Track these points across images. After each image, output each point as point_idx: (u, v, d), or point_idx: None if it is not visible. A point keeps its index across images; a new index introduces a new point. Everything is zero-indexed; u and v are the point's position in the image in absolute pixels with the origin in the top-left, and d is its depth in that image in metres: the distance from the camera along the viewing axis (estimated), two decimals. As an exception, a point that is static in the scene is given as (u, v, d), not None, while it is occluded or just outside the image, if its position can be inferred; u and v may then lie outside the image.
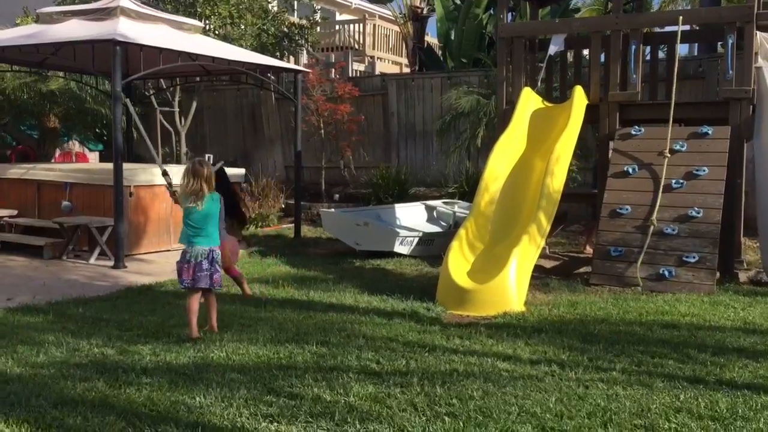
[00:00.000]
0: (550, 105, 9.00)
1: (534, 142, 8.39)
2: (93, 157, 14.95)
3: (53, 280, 7.82)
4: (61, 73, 12.86)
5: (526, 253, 6.93)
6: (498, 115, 9.54)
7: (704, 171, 7.77)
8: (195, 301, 5.48)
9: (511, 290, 6.51)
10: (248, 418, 3.69)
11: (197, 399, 3.96)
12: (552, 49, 9.23)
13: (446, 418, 3.69)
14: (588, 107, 8.53)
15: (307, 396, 4.03)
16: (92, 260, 8.92)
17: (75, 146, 14.89)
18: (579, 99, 8.45)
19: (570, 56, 10.18)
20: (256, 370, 4.52)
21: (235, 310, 6.35)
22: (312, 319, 6.01)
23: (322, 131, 13.49)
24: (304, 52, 16.52)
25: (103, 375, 4.38)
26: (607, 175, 8.30)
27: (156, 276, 8.07)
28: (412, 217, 10.66)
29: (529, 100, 8.76)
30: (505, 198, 7.93)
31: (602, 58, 9.21)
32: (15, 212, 10.21)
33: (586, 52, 10.31)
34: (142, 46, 8.80)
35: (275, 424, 3.63)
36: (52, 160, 13.46)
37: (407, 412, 3.80)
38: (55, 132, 14.09)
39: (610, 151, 8.61)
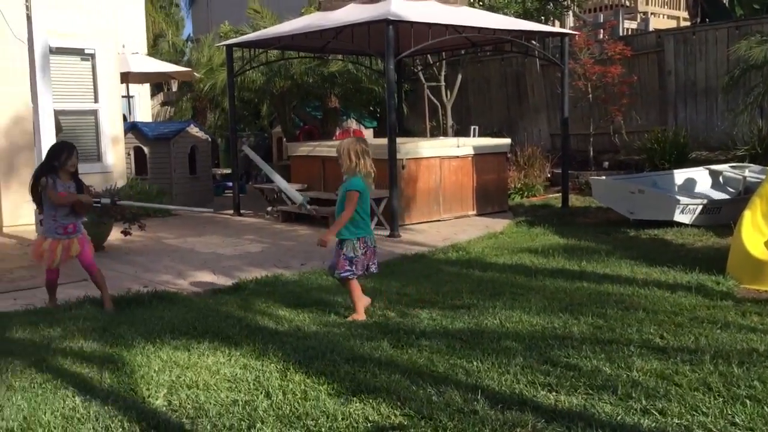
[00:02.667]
0: None
1: None
2: (368, 133, 15.96)
3: (338, 247, 8.50)
4: (339, 56, 13.85)
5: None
6: (801, 64, 8.30)
7: None
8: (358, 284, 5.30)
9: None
10: (526, 386, 3.66)
11: (474, 363, 4.02)
12: None
13: (747, 401, 3.32)
14: None
15: (585, 368, 3.89)
16: (371, 229, 9.53)
17: (352, 124, 16.01)
18: None
19: None
20: (530, 339, 4.48)
21: (506, 279, 6.37)
22: (585, 290, 5.80)
23: (590, 96, 12.91)
24: (570, 14, 15.90)
25: (387, 336, 4.64)
26: None
27: (428, 245, 8.39)
28: (693, 184, 9.80)
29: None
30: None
31: None
32: (304, 186, 11.29)
33: None
34: (412, 24, 9.12)
35: (554, 393, 3.56)
36: (333, 138, 14.61)
37: (699, 392, 3.49)
38: (336, 111, 15.28)
39: None
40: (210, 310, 5.55)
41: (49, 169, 5.55)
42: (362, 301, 5.29)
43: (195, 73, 15.29)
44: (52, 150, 5.66)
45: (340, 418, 3.31)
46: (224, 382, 3.81)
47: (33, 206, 8.15)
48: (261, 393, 3.65)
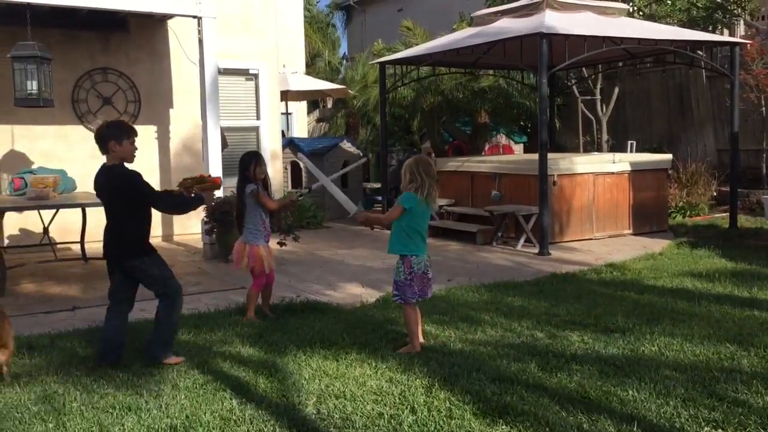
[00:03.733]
0: None
1: None
2: (518, 149, 15.70)
3: (484, 264, 8.41)
4: (490, 71, 13.77)
5: None
6: None
7: None
8: (417, 312, 4.94)
9: None
10: (687, 420, 3.41)
11: (629, 392, 3.81)
12: None
13: None
14: None
15: (756, 405, 3.57)
16: (519, 246, 9.35)
17: (502, 139, 15.83)
18: None
19: None
20: (693, 369, 4.17)
21: (665, 303, 5.99)
22: (757, 319, 5.34)
23: (764, 109, 11.93)
24: (741, 22, 14.80)
25: (535, 357, 4.51)
26: None
27: (579, 264, 8.09)
28: None
29: None
30: None
31: None
32: (452, 201, 11.29)
33: None
34: (567, 36, 8.88)
35: (720, 430, 3.28)
36: (482, 153, 14.52)
37: None
38: (485, 126, 15.17)
39: None
40: (358, 321, 5.66)
41: (244, 179, 5.80)
42: (418, 330, 4.90)
43: (349, 90, 15.80)
44: (242, 161, 5.84)
45: (485, 440, 3.24)
46: (371, 395, 3.86)
47: (200, 216, 8.79)
48: (406, 408, 3.65)
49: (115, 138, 4.52)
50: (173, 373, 4.33)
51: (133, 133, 4.64)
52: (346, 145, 13.21)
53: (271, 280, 5.99)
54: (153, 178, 10.47)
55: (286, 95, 14.12)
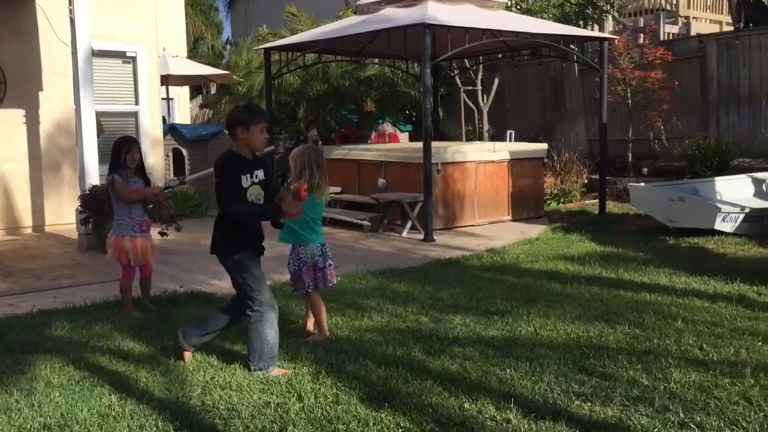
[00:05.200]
0: None
1: None
2: (403, 137, 15.95)
3: (371, 251, 8.51)
4: (376, 60, 13.88)
5: None
6: None
7: None
8: (320, 298, 4.92)
9: None
10: (560, 395, 3.62)
11: (507, 371, 3.99)
12: None
13: (790, 418, 3.23)
14: None
15: (621, 378, 3.83)
16: (405, 233, 9.52)
17: (388, 127, 16.02)
18: None
19: None
20: (565, 347, 4.42)
21: (541, 285, 6.30)
22: (622, 299, 5.71)
23: (630, 101, 12.72)
24: (610, 18, 15.69)
25: (419, 341, 4.62)
26: None
27: (462, 250, 8.35)
28: (735, 192, 9.57)
29: None
30: None
31: None
32: (339, 189, 11.32)
33: None
34: (449, 28, 9.09)
35: (588, 404, 3.50)
36: (369, 141, 14.64)
37: (739, 406, 3.41)
38: (371, 115, 15.30)
39: None
40: (244, 311, 5.59)
41: (112, 166, 5.53)
42: (324, 317, 4.88)
43: (233, 76, 15.46)
44: (113, 147, 5.58)
45: (371, 423, 3.30)
46: (257, 384, 3.84)
47: (74, 206, 8.36)
48: (293, 396, 3.66)
49: (243, 124, 4.08)
50: (46, 370, 4.12)
51: (262, 118, 4.18)
52: (231, 132, 12.92)
53: (148, 271, 5.80)
54: (21, 166, 9.85)
55: (167, 80, 13.64)
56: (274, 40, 13.54)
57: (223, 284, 6.71)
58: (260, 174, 4.17)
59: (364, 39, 10.56)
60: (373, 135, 15.60)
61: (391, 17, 9.81)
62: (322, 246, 4.91)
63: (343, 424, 3.31)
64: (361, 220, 10.02)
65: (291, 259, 4.88)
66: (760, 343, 4.39)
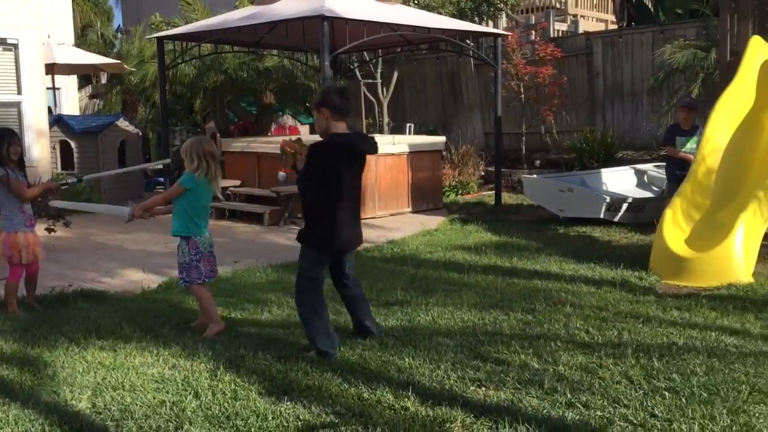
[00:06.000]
0: (783, 54, 7.99)
1: (764, 97, 7.52)
2: (304, 130, 15.85)
3: (272, 244, 8.44)
4: (275, 51, 13.71)
5: (754, 220, 6.27)
6: (720, 68, 8.68)
7: None
8: (208, 291, 4.88)
9: (737, 259, 5.94)
10: (456, 381, 3.72)
11: (406, 360, 4.06)
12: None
13: (666, 393, 3.46)
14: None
15: (514, 363, 3.98)
16: (305, 226, 9.48)
17: (288, 120, 15.88)
18: (821, 45, 7.42)
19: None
20: (461, 335, 4.54)
21: (439, 275, 6.44)
22: (516, 286, 5.92)
23: (523, 96, 13.16)
24: (503, 15, 16.16)
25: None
26: None
27: (363, 242, 8.39)
28: (620, 182, 10.11)
29: (759, 50, 7.82)
30: (728, 160, 7.21)
31: None
32: (238, 182, 11.14)
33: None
34: (347, 20, 9.10)
35: (483, 389, 3.62)
36: (269, 134, 14.46)
37: (621, 385, 3.61)
38: (271, 107, 15.10)
39: None
40: (138, 309, 5.43)
41: None
42: (215, 308, 4.84)
43: (125, 66, 14.87)
44: None
45: (270, 418, 3.29)
46: (152, 383, 3.74)
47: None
48: (190, 393, 3.59)
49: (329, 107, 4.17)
50: None
51: (341, 108, 4.19)
52: (124, 124, 12.46)
53: (34, 270, 5.52)
54: None
55: (53, 68, 12.94)
56: (167, 29, 13.13)
57: (115, 282, 6.49)
58: None
59: (261, 30, 10.42)
60: (274, 127, 15.42)
61: (290, 9, 9.71)
62: (210, 237, 4.89)
63: (242, 420, 3.27)
64: (262, 212, 9.90)
65: (186, 249, 4.76)
66: (640, 325, 4.67)
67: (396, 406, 3.41)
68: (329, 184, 4.12)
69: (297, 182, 4.35)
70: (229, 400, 3.49)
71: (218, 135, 13.97)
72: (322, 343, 4.15)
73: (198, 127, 16.15)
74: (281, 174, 10.43)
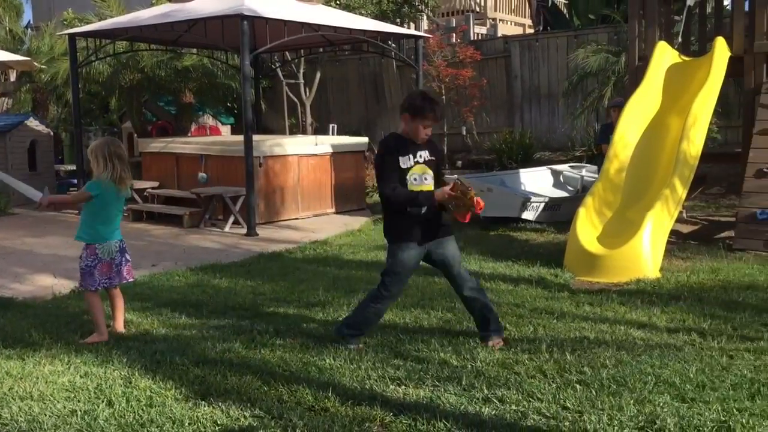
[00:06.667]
0: (687, 59, 8.41)
1: (670, 100, 7.89)
2: (225, 130, 15.60)
3: (192, 247, 8.27)
4: (194, 50, 13.44)
5: (661, 217, 6.57)
6: (629, 72, 9.05)
7: None
8: (100, 300, 4.76)
9: (645, 255, 6.21)
10: (376, 381, 3.74)
11: (327, 361, 4.05)
12: (690, -1, 8.60)
13: (577, 386, 3.58)
14: (731, 60, 7.90)
15: (433, 360, 4.04)
16: (227, 228, 9.35)
17: (209, 120, 15.59)
18: (720, 51, 7.84)
19: (709, 6, 9.45)
20: (383, 334, 4.57)
21: (362, 276, 6.46)
22: (437, 285, 5.99)
23: (444, 97, 13.36)
24: (424, 17, 16.36)
25: (240, 336, 4.57)
26: (753, 133, 7.69)
27: (285, 243, 8.35)
28: (537, 182, 10.39)
29: (664, 55, 8.22)
30: (637, 160, 7.54)
31: (747, 5, 8.48)
32: (157, 184, 10.86)
33: (727, 1, 9.54)
34: (267, 20, 9.01)
35: (403, 387, 3.65)
36: (189, 134, 14.16)
37: (536, 379, 3.72)
38: (190, 107, 14.79)
39: (757, 107, 7.95)
40: (49, 315, 5.23)
41: None
42: (102, 317, 4.69)
43: (35, 63, 14.24)
44: None
45: (186, 423, 3.22)
46: (62, 392, 3.61)
47: None
48: (102, 402, 3.48)
49: (410, 112, 4.11)
50: None
51: (429, 118, 4.10)
52: (34, 123, 11.96)
53: None
54: None
55: (-44, 65, 12.30)
56: (80, 26, 12.68)
57: (24, 288, 6.23)
58: (425, 154, 4.21)
59: (179, 28, 10.20)
60: (193, 127, 15.10)
61: (208, 7, 9.55)
62: (120, 242, 4.76)
63: (157, 427, 3.20)
64: (181, 213, 9.69)
65: (85, 255, 4.66)
66: (555, 321, 4.82)
67: (316, 407, 3.40)
68: None
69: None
70: (144, 407, 3.40)
71: (135, 135, 13.59)
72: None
73: (114, 126, 15.64)
74: (201, 175, 10.28)
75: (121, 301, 4.87)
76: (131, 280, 4.94)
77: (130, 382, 3.73)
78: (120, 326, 4.80)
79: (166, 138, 12.00)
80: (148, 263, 7.22)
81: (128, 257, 4.84)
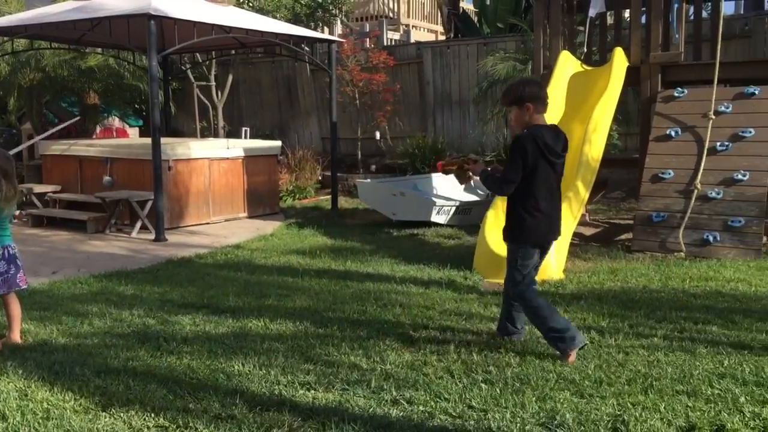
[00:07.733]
0: (589, 68, 8.78)
1: (573, 107, 8.21)
2: (133, 132, 15.13)
3: (96, 253, 7.98)
4: (99, 50, 12.99)
5: (565, 220, 6.80)
6: (535, 80, 9.35)
7: (751, 132, 7.52)
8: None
9: (549, 258, 6.41)
10: (286, 386, 3.72)
11: (236, 367, 4.00)
12: (592, 11, 8.98)
13: (483, 385, 3.67)
14: (629, 69, 8.30)
15: (343, 364, 4.05)
16: (134, 234, 9.07)
17: (115, 122, 15.08)
18: (619, 61, 8.22)
19: (610, 18, 9.90)
20: (293, 339, 4.55)
21: (274, 280, 6.41)
22: (349, 289, 6.02)
23: (357, 102, 13.42)
24: (338, 22, 16.39)
25: (145, 344, 4.45)
26: (649, 139, 8.10)
27: (195, 248, 8.17)
28: (449, 187, 10.57)
29: (568, 64, 8.55)
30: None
31: (643, 18, 8.93)
32: (59, 188, 10.43)
33: (627, 13, 10.02)
34: (176, 20, 8.81)
35: (312, 391, 3.65)
36: (94, 136, 13.65)
37: (444, 380, 3.79)
38: (96, 108, 14.26)
39: (652, 115, 8.39)
40: (-63, 328, 4.93)
41: None
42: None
43: (-76, 59, 13.41)
44: None
45: (86, 436, 3.11)
46: (-50, 408, 3.41)
47: None
48: (-5, 416, 3.31)
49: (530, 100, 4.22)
50: None
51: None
52: None
53: None
54: None
55: None
56: (-25, 21, 12.01)
57: None
58: None
59: (82, 26, 9.82)
60: (99, 129, 14.57)
61: (113, 5, 9.24)
62: (4, 248, 4.54)
63: (54, 441, 3.07)
64: (85, 218, 9.33)
65: None
66: (464, 322, 4.92)
67: (223, 414, 3.35)
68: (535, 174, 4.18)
69: (488, 183, 4.45)
70: (41, 420, 3.26)
71: (35, 135, 13.00)
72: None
73: (12, 127, 14.90)
74: (107, 179, 9.93)
75: (17, 309, 4.64)
76: (24, 287, 4.71)
77: (26, 395, 3.57)
78: (15, 336, 4.58)
79: (69, 140, 11.54)
80: (48, 270, 6.92)
81: (20, 263, 4.62)
